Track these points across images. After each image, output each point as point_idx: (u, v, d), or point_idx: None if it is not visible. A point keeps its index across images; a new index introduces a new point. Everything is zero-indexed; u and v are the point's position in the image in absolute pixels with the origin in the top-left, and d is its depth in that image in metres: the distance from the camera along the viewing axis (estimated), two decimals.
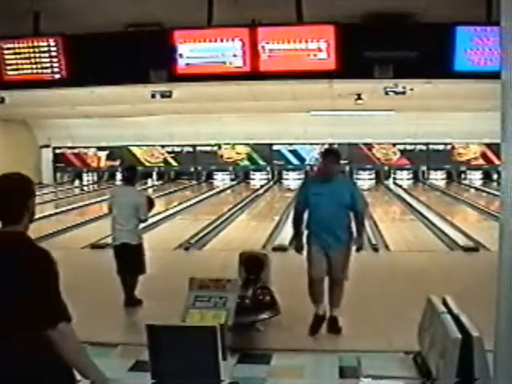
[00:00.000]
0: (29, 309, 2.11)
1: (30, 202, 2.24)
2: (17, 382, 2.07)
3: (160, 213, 13.24)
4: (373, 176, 21.43)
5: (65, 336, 2.15)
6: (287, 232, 10.34)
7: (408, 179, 21.24)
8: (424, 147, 20.93)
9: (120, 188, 7.85)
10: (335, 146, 21.20)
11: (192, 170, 22.03)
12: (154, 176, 21.95)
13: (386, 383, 3.45)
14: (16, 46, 6.32)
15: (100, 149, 22.24)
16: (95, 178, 22.64)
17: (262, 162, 21.72)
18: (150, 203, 6.06)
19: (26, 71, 6.38)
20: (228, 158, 21.76)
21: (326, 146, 21.18)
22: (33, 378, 2.10)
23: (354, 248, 5.08)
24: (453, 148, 20.86)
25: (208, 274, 4.85)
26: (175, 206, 14.79)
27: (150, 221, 11.93)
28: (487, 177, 20.53)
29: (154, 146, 21.85)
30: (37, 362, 2.12)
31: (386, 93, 10.43)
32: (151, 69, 6.20)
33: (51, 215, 13.88)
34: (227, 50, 5.99)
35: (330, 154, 5.10)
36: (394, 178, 21.20)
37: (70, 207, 15.18)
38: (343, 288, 5.07)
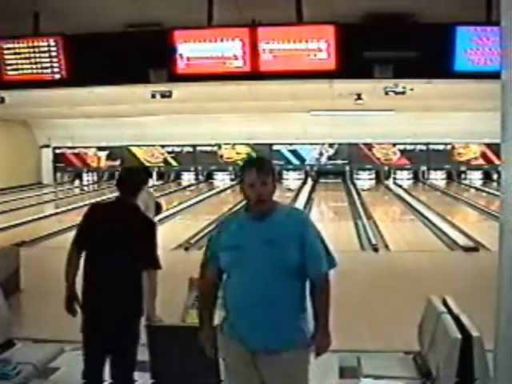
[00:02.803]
0: (144, 252, 3.32)
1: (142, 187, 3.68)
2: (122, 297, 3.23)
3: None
4: (373, 176, 21.43)
5: (155, 277, 3.41)
6: None
7: (408, 179, 21.23)
8: (424, 147, 20.93)
9: None
10: (335, 145, 21.36)
11: (192, 169, 22.06)
12: (154, 176, 21.96)
13: (386, 383, 3.44)
14: (16, 45, 6.31)
15: (100, 149, 22.24)
16: (95, 178, 22.64)
17: None
18: (158, 208, 6.11)
19: (25, 71, 6.38)
20: (228, 158, 21.76)
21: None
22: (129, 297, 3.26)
23: (312, 354, 2.64)
24: (453, 148, 20.86)
25: None
26: (175, 206, 14.79)
27: None
28: (487, 177, 20.53)
29: (154, 145, 21.86)
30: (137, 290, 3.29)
31: (386, 93, 10.42)
32: (151, 69, 6.20)
33: (51, 215, 13.89)
34: (227, 50, 5.99)
35: (255, 164, 2.60)
36: (394, 178, 21.19)
37: (70, 207, 15.16)
38: None
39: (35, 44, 6.28)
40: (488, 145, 19.82)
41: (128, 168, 3.99)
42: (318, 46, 5.87)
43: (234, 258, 2.56)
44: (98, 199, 17.12)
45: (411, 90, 10.48)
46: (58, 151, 22.31)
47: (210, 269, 2.67)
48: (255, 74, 6.09)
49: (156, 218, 6.20)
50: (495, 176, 19.63)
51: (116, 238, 3.27)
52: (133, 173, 3.68)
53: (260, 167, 2.57)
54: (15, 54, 6.33)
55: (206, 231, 10.58)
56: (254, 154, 21.57)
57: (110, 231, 3.30)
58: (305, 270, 2.55)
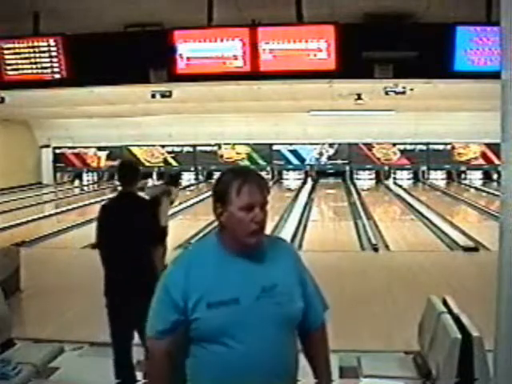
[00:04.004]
0: (148, 232, 3.74)
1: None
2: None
3: None
4: (373, 176, 21.44)
5: (160, 250, 3.86)
6: (287, 232, 10.35)
7: (408, 179, 21.24)
8: (424, 147, 20.94)
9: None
10: (335, 145, 21.36)
11: (192, 169, 22.08)
12: (154, 176, 21.96)
13: (386, 383, 3.44)
14: (16, 45, 6.31)
15: (100, 149, 22.25)
16: (95, 178, 22.65)
17: (262, 162, 21.71)
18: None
19: (26, 71, 6.37)
20: (228, 158, 21.76)
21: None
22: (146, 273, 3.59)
23: None
24: (453, 148, 20.87)
25: None
26: (175, 206, 14.78)
27: None
28: (487, 177, 20.54)
29: (154, 145, 21.86)
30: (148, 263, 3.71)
31: (386, 93, 10.43)
32: (151, 69, 6.20)
33: (51, 215, 13.90)
34: (227, 50, 5.99)
35: (254, 177, 1.88)
36: (394, 178, 21.20)
37: (70, 207, 15.17)
38: None
39: (35, 44, 6.27)
40: (488, 145, 19.82)
41: (126, 160, 4.51)
42: (317, 46, 5.86)
43: (231, 318, 1.77)
44: (98, 199, 17.14)
45: (411, 90, 10.49)
46: (58, 151, 22.33)
47: (167, 343, 1.80)
48: (255, 74, 6.08)
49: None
50: (495, 176, 19.64)
51: (127, 227, 3.74)
52: (128, 164, 4.24)
53: (262, 181, 1.87)
54: (15, 53, 6.33)
55: (205, 231, 10.59)
56: (254, 155, 21.60)
57: (121, 223, 3.79)
58: (304, 319, 1.93)
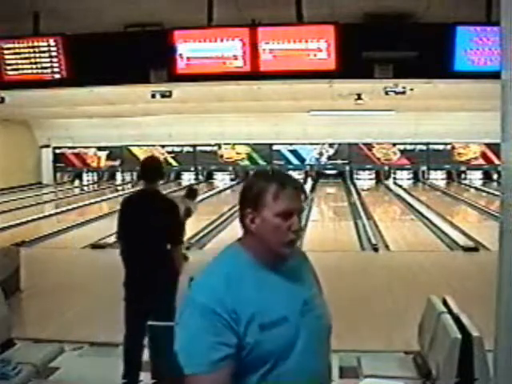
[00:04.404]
0: (169, 230, 3.86)
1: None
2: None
3: None
4: (373, 176, 21.45)
5: (178, 252, 3.98)
6: None
7: (408, 179, 21.24)
8: (424, 147, 20.94)
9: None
10: (335, 145, 21.36)
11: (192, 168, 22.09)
12: None
13: (386, 383, 3.44)
14: (16, 45, 6.31)
15: (100, 149, 22.25)
16: (95, 178, 22.66)
17: (262, 162, 21.71)
18: (188, 214, 7.26)
19: (26, 71, 6.37)
20: (228, 158, 21.76)
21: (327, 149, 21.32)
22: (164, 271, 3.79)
23: None
24: (453, 148, 20.87)
25: None
26: None
27: None
28: (487, 177, 20.54)
29: (154, 145, 21.85)
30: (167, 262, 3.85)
31: (386, 93, 10.43)
32: (151, 69, 6.20)
33: (51, 215, 13.90)
34: (227, 50, 5.99)
35: (294, 182, 1.70)
36: (394, 178, 21.20)
37: (70, 207, 15.17)
38: None
39: (35, 44, 6.27)
40: (488, 145, 19.82)
41: (149, 157, 4.53)
42: (317, 46, 5.86)
43: (283, 339, 1.59)
44: (98, 199, 17.15)
45: (411, 90, 10.48)
46: (57, 151, 22.33)
47: (223, 376, 1.52)
48: (255, 74, 6.08)
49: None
50: (495, 176, 19.64)
51: (145, 224, 3.82)
52: (154, 161, 4.27)
53: (301, 186, 1.70)
54: (15, 53, 6.33)
55: (206, 231, 10.60)
56: (254, 155, 21.60)
57: (139, 218, 3.88)
58: None
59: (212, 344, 1.51)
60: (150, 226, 3.79)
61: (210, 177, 22.05)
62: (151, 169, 4.02)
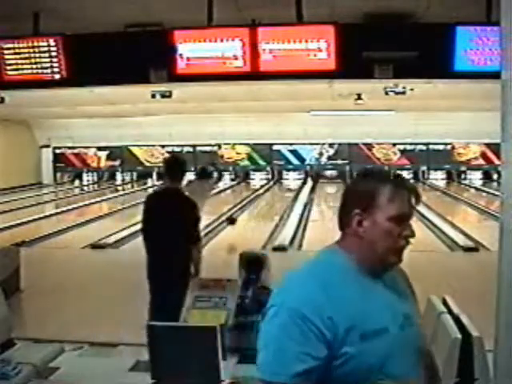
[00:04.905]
0: (188, 229, 4.09)
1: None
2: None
3: None
4: None
5: (197, 249, 4.21)
6: (287, 232, 10.35)
7: (408, 179, 21.23)
8: (424, 147, 20.94)
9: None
10: (335, 145, 21.36)
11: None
12: (154, 176, 21.96)
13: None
14: (16, 45, 6.31)
15: (100, 149, 22.24)
16: (95, 178, 22.64)
17: (262, 162, 21.72)
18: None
19: (26, 71, 6.37)
20: (228, 158, 21.76)
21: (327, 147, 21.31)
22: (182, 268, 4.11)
23: None
24: (453, 148, 20.87)
25: (208, 274, 4.85)
26: None
27: None
28: (487, 177, 20.54)
29: (153, 146, 21.85)
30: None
31: (386, 93, 10.43)
32: (151, 69, 6.20)
33: (51, 215, 13.90)
34: (227, 50, 5.99)
35: (408, 185, 1.69)
36: None
37: (70, 207, 15.17)
38: None
39: (35, 44, 6.27)
40: (488, 145, 19.82)
41: (173, 156, 4.84)
42: (318, 46, 5.86)
43: (383, 351, 1.47)
44: (98, 199, 17.15)
45: (411, 89, 10.48)
46: (58, 151, 22.31)
47: None
48: (255, 74, 6.08)
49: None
50: (495, 176, 19.63)
51: (165, 220, 4.06)
52: (178, 160, 4.55)
53: (415, 189, 1.65)
54: (15, 53, 6.33)
55: (206, 231, 10.59)
56: (254, 155, 21.59)
57: (161, 215, 4.12)
58: None
59: (297, 354, 1.37)
60: (170, 223, 4.03)
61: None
62: (175, 167, 4.28)
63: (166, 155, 21.97)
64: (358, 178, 1.63)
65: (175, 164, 4.36)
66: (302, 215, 12.76)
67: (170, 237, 4.05)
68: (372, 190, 1.51)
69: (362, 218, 1.51)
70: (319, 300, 1.41)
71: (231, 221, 9.03)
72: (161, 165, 23.37)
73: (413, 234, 1.58)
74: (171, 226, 4.03)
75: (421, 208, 13.51)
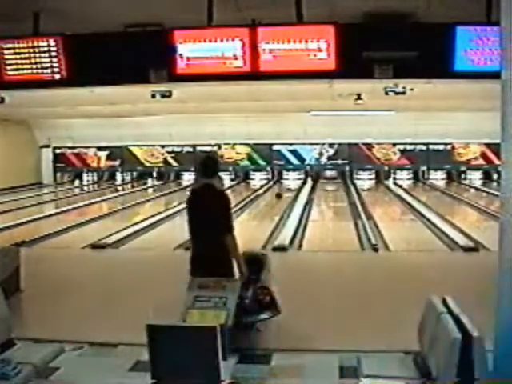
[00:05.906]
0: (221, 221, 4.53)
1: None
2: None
3: (160, 213, 13.25)
4: (373, 176, 21.42)
5: (232, 239, 4.58)
6: (287, 232, 10.35)
7: (408, 179, 21.23)
8: (424, 147, 20.93)
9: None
10: (335, 145, 21.36)
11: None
12: (154, 176, 21.98)
13: (386, 383, 3.44)
14: (16, 46, 6.31)
15: (100, 149, 22.24)
16: (95, 178, 22.64)
17: (262, 162, 21.72)
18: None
19: (26, 71, 6.38)
20: (228, 158, 21.75)
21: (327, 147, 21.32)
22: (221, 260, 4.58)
23: None
24: (453, 148, 20.86)
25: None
26: (175, 206, 14.78)
27: (151, 221, 11.99)
28: (487, 177, 20.54)
29: (153, 146, 21.85)
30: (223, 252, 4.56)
31: (386, 93, 10.43)
32: (151, 69, 6.20)
33: (51, 215, 13.89)
34: (227, 50, 5.99)
35: None
36: (394, 178, 21.19)
37: (70, 207, 15.17)
38: None
39: (35, 44, 6.28)
40: (488, 145, 19.81)
41: (208, 155, 5.56)
42: (318, 46, 5.87)
43: None
44: (98, 199, 17.15)
45: (411, 90, 10.48)
46: (58, 151, 22.31)
47: None
48: (255, 74, 6.09)
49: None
50: (495, 176, 19.63)
51: (203, 214, 4.58)
52: (213, 158, 5.05)
53: None
54: (15, 53, 6.33)
55: None
56: (254, 155, 21.60)
57: (199, 210, 4.67)
58: None
59: None
60: (208, 215, 4.55)
61: None
62: (210, 165, 4.71)
63: (166, 155, 22.03)
64: None
65: (211, 162, 4.78)
66: (302, 215, 12.74)
67: (208, 227, 4.56)
68: None
69: None
70: None
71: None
72: (161, 165, 23.39)
73: None
74: (209, 216, 4.55)
75: (421, 208, 13.54)
